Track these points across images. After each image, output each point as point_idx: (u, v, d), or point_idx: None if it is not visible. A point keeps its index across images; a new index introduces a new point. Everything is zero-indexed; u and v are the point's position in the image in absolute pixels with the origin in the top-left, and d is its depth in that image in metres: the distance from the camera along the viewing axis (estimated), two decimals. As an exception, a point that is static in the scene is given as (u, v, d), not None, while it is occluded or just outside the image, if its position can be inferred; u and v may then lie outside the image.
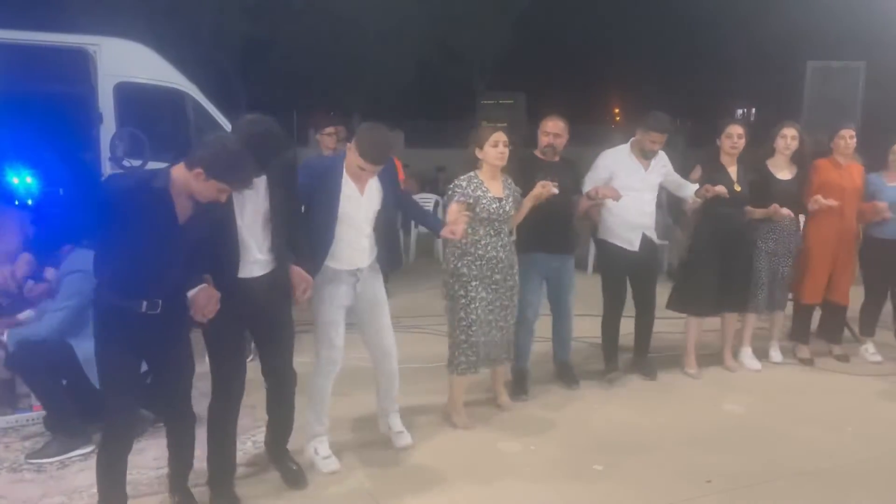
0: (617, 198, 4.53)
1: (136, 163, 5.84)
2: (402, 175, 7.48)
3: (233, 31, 24.82)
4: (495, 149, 3.98)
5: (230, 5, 24.19)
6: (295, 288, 3.28)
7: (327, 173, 3.45)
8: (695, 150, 5.34)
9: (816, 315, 5.55)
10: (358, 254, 3.55)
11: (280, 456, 3.54)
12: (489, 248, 4.02)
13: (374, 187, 3.54)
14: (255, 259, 3.10)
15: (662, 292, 5.10)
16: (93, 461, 3.48)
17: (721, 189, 4.67)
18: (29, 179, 6.11)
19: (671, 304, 5.12)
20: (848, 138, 5.17)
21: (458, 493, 3.48)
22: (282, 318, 3.29)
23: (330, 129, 6.70)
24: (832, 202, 4.93)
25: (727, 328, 5.19)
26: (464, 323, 4.01)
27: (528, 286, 4.44)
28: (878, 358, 5.42)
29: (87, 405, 3.62)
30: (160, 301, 2.80)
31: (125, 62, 6.50)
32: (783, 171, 5.06)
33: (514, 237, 4.24)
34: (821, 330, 5.56)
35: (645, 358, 5.04)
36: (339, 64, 25.40)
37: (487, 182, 4.04)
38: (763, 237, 5.05)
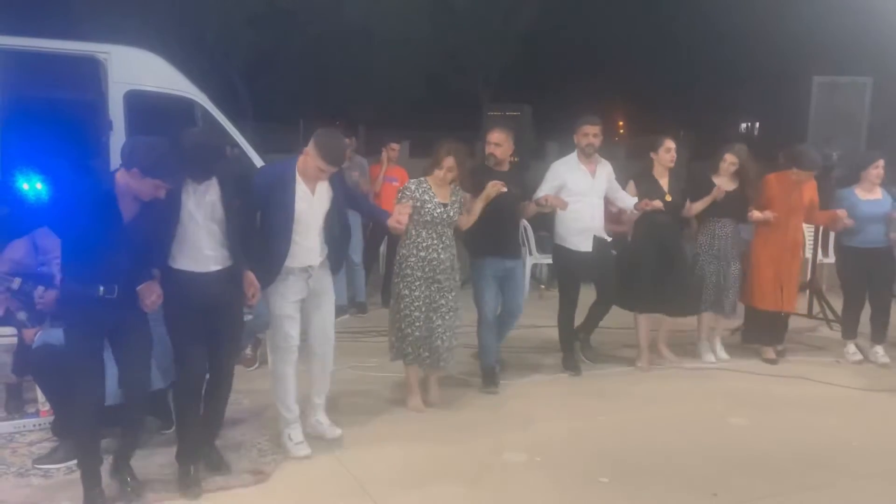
0: (564, 207, 4.86)
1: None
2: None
3: (241, 40, 24.97)
4: (440, 171, 4.32)
5: (239, 15, 24.33)
6: (245, 291, 3.51)
7: (281, 177, 3.73)
8: (700, 162, 5.65)
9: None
10: (309, 252, 3.78)
11: (206, 448, 3.61)
12: (430, 249, 4.32)
13: (323, 189, 3.80)
14: (210, 256, 3.38)
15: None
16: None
17: (657, 203, 5.11)
18: (39, 185, 6.14)
19: (622, 304, 5.47)
20: (805, 177, 5.47)
21: None
22: (232, 313, 3.53)
23: (346, 141, 6.74)
24: (769, 215, 5.37)
25: (664, 327, 5.62)
26: (408, 319, 4.31)
27: (483, 288, 4.79)
28: (859, 357, 5.71)
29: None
30: (116, 286, 3.16)
31: (135, 70, 6.53)
32: (725, 184, 5.44)
33: (461, 239, 4.60)
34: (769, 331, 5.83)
35: (588, 338, 5.51)
36: (346, 74, 25.51)
37: (435, 188, 4.34)
38: (707, 244, 5.47)
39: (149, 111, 6.42)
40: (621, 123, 37.90)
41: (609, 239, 5.31)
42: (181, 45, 17.00)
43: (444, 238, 4.36)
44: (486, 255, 4.77)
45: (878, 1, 12.63)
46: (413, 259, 4.31)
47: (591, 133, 5.09)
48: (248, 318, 5.19)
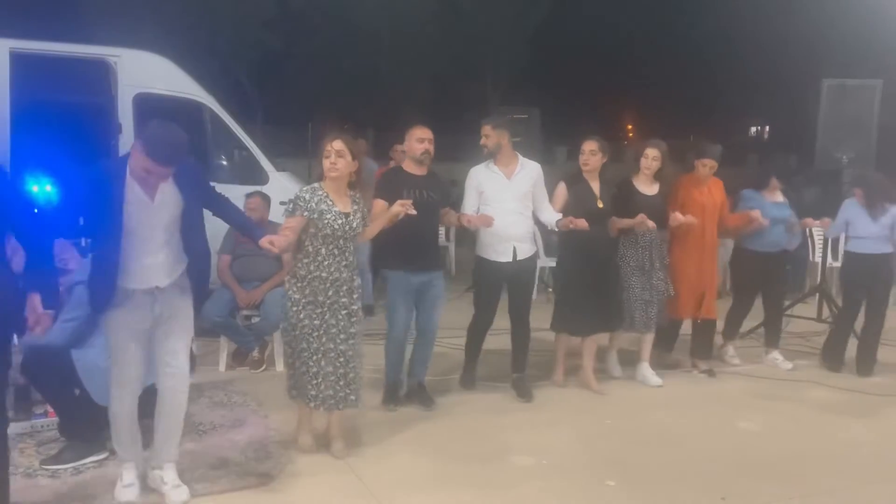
0: (490, 224, 4.44)
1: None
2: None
3: (251, 44, 25.10)
4: (327, 160, 3.69)
5: (248, 18, 24.48)
6: (27, 318, 2.78)
7: (107, 174, 3.03)
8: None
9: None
10: (153, 270, 3.10)
11: None
12: (332, 268, 3.69)
13: (169, 191, 3.11)
14: None
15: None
16: (107, 468, 3.56)
17: (583, 223, 4.56)
18: (49, 188, 6.19)
19: (552, 325, 5.08)
20: (709, 167, 5.25)
21: (470, 506, 3.48)
22: None
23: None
24: (691, 219, 5.02)
25: (588, 349, 5.02)
26: (305, 353, 3.69)
27: (394, 302, 4.43)
28: (738, 361, 5.69)
29: (96, 413, 3.63)
30: None
31: (145, 73, 6.57)
32: (646, 187, 5.09)
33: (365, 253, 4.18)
34: (693, 346, 5.54)
35: (522, 375, 4.86)
36: (355, 77, 25.62)
37: (333, 195, 3.71)
38: (631, 254, 5.02)
39: (158, 114, 6.41)
40: (630, 127, 37.82)
41: (528, 256, 4.73)
42: (191, 48, 17.12)
43: (346, 253, 3.73)
44: (397, 268, 4.40)
45: (887, 3, 12.58)
46: (316, 281, 3.67)
47: (485, 133, 4.65)
48: (255, 320, 5.24)
